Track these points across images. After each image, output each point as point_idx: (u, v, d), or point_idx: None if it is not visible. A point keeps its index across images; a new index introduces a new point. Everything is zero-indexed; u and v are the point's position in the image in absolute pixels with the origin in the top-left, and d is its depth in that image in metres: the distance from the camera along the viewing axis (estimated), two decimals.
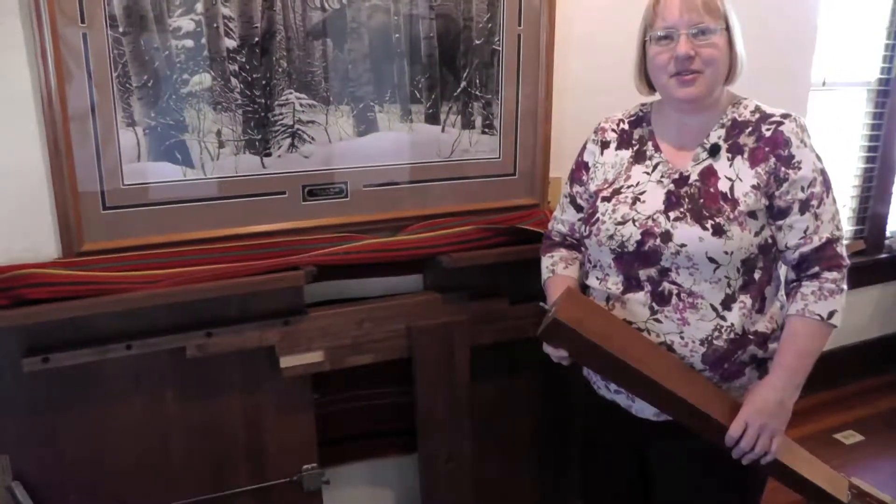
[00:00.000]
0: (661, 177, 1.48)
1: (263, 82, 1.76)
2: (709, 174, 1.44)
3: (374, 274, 1.93)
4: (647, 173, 1.50)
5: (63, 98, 1.59)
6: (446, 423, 1.99)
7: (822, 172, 1.43)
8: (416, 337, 1.92)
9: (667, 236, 1.42)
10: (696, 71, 1.41)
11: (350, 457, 2.05)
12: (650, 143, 1.53)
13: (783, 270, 1.52)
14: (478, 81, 1.97)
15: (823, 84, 3.01)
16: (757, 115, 1.46)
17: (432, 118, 1.95)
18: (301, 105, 1.80)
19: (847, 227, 3.28)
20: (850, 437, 2.93)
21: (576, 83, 2.12)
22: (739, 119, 1.47)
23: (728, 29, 1.43)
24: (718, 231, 1.39)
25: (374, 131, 1.89)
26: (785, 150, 1.41)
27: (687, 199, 1.44)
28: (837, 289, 1.42)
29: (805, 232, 1.42)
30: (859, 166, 3.27)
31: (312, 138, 1.83)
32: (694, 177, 1.45)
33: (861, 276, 3.16)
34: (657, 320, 1.45)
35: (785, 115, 1.44)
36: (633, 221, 1.45)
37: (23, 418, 1.68)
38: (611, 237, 1.47)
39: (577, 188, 1.65)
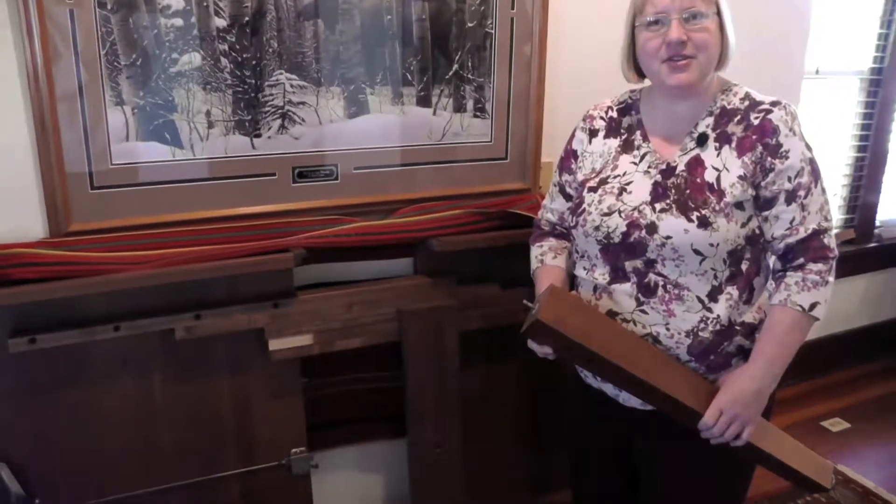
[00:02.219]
0: (649, 167, 1.47)
1: (253, 62, 1.75)
2: (696, 164, 1.43)
3: (364, 257, 1.92)
4: (635, 163, 1.49)
5: (50, 76, 1.58)
6: (436, 408, 1.99)
7: (811, 162, 1.41)
8: (405, 321, 1.92)
9: (652, 228, 1.42)
10: (689, 56, 1.39)
11: (339, 441, 2.06)
12: (638, 133, 1.52)
13: (772, 260, 1.51)
14: (470, 64, 1.96)
15: (817, 72, 3.02)
16: (746, 103, 1.44)
17: (424, 101, 1.94)
18: (291, 86, 1.80)
19: (837, 216, 3.30)
20: (836, 425, 2.96)
21: (569, 67, 2.12)
22: (729, 107, 1.45)
23: (719, 13, 1.41)
24: (704, 223, 1.38)
25: (365, 113, 1.89)
26: (773, 138, 1.40)
27: (673, 190, 1.43)
28: (822, 281, 1.40)
29: (791, 223, 1.41)
30: (850, 155, 3.29)
31: (303, 120, 1.83)
32: (681, 167, 1.44)
33: (850, 265, 3.19)
34: (643, 311, 1.45)
35: (774, 103, 1.43)
36: (619, 213, 1.45)
37: (9, 400, 1.68)
38: (597, 228, 1.48)
39: (566, 177, 1.64)
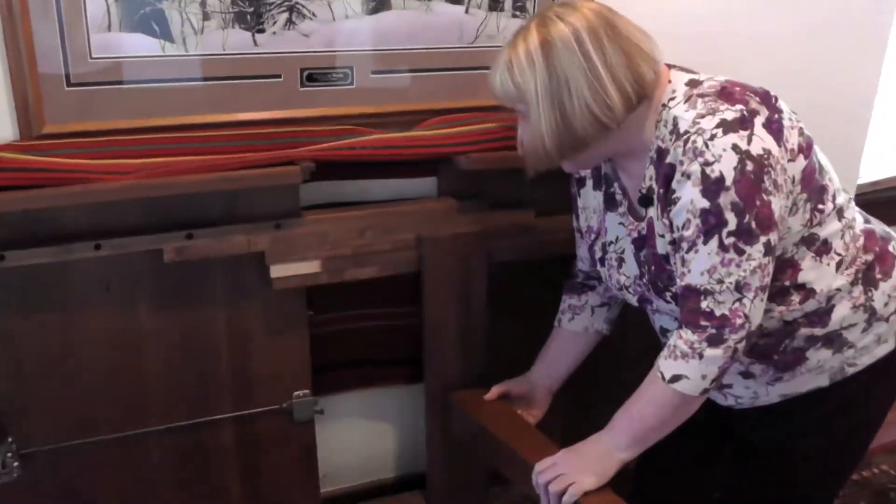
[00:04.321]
0: (629, 233, 1.46)
1: None
2: (651, 233, 1.38)
3: (381, 175, 1.86)
4: (623, 225, 1.47)
5: None
6: (458, 350, 1.94)
7: (704, 213, 1.24)
8: (426, 249, 1.85)
9: (652, 303, 1.47)
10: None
11: (347, 384, 2.02)
12: (616, 185, 1.48)
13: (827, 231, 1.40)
14: None
15: None
16: (673, 138, 1.29)
17: None
18: None
19: None
20: None
21: None
22: (663, 146, 1.31)
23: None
24: (678, 301, 1.36)
25: (387, 9, 1.78)
26: (670, 183, 1.28)
27: (646, 267, 1.42)
28: (692, 353, 1.30)
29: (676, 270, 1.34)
30: None
31: (313, 14, 1.73)
32: (648, 235, 1.40)
33: None
34: None
35: (684, 133, 1.26)
36: (627, 289, 1.51)
37: None
38: (619, 298, 1.61)
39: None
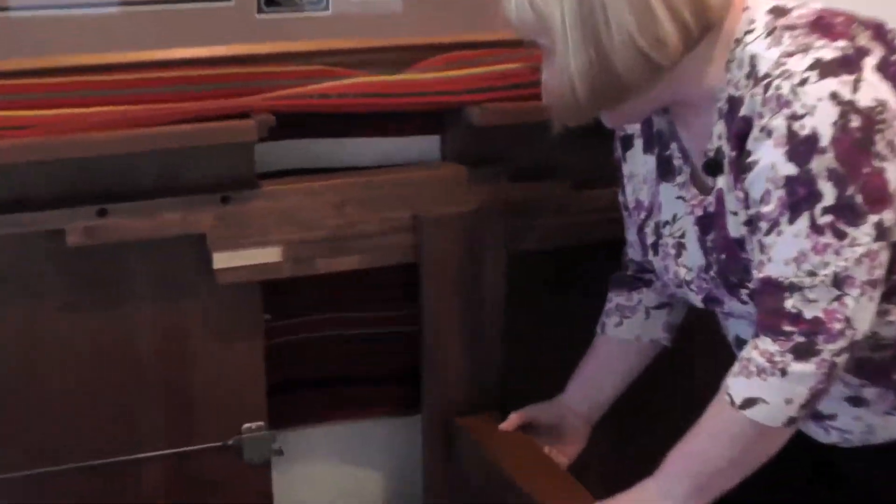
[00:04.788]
0: (691, 210, 1.33)
1: None
2: (721, 210, 1.26)
3: (366, 132, 1.68)
4: (683, 199, 1.34)
5: None
6: (466, 364, 1.75)
7: (791, 183, 1.11)
8: (425, 232, 1.65)
9: (723, 304, 1.34)
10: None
11: (316, 414, 1.80)
12: (674, 146, 1.34)
13: None
14: None
15: None
16: (750, 82, 1.15)
17: None
18: None
19: None
20: None
21: None
22: (736, 94, 1.17)
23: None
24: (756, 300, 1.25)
25: None
26: (746, 142, 1.16)
27: (714, 255, 1.30)
28: (772, 369, 1.16)
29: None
30: None
31: None
32: (716, 213, 1.29)
33: None
34: None
35: (764, 76, 1.10)
36: (688, 284, 1.37)
37: None
38: (681, 297, 1.47)
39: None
